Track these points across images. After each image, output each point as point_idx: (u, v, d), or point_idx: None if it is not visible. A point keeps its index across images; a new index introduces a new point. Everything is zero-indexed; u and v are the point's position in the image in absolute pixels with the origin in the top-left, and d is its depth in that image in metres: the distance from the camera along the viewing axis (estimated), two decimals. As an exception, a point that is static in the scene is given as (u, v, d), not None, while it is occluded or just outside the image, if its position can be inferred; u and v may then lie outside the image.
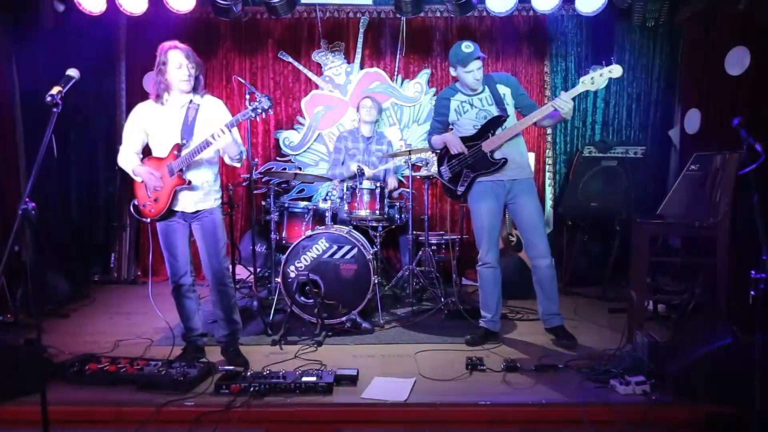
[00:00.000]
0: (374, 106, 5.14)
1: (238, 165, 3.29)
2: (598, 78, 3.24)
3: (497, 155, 3.51)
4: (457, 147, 3.57)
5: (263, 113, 3.08)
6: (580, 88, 3.29)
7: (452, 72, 3.58)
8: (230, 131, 3.04)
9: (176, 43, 3.13)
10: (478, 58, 3.43)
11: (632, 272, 3.63)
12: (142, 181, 3.18)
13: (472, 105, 3.57)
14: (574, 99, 3.30)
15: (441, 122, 3.72)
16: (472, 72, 3.46)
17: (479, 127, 3.54)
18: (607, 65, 3.22)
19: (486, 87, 3.55)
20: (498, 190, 3.56)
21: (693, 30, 5.06)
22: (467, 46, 3.43)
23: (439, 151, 3.81)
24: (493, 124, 3.50)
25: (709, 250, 3.42)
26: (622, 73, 3.22)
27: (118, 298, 4.98)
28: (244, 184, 5.35)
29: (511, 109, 3.55)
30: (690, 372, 2.69)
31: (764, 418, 2.36)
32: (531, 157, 5.39)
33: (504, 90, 3.54)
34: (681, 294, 4.10)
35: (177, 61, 3.07)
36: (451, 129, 3.74)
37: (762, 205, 2.40)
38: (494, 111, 3.52)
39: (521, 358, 3.24)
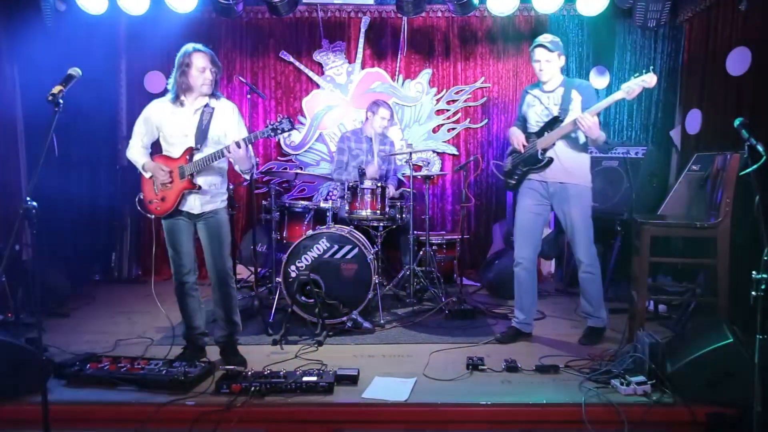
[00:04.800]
0: (390, 119, 5.08)
1: (247, 177, 3.29)
2: (633, 87, 3.22)
3: (548, 154, 3.53)
4: (515, 141, 3.66)
5: (282, 134, 3.10)
6: (612, 99, 3.32)
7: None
8: (246, 146, 3.04)
9: (198, 45, 3.12)
10: (538, 46, 3.48)
11: (633, 272, 3.63)
12: (151, 177, 3.18)
13: (540, 101, 3.61)
14: (599, 114, 3.34)
15: (519, 115, 3.82)
16: (539, 62, 3.51)
17: (541, 124, 3.58)
18: (647, 73, 3.21)
19: (561, 88, 3.54)
20: (541, 191, 3.60)
21: (694, 30, 5.05)
22: (543, 37, 3.52)
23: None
24: (551, 123, 3.52)
25: (710, 251, 3.41)
26: (654, 83, 3.22)
27: (118, 298, 4.98)
28: (244, 183, 5.36)
29: (575, 115, 3.44)
30: (690, 372, 2.69)
31: (764, 419, 2.35)
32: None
33: (575, 95, 3.50)
34: (682, 294, 4.10)
35: (201, 65, 3.07)
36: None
37: (763, 206, 2.40)
38: (556, 111, 3.52)
39: (522, 358, 3.23)
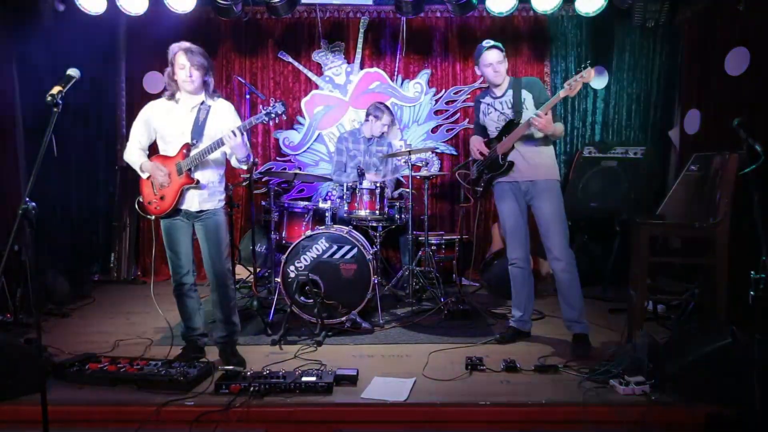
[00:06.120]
0: (389, 126, 5.08)
1: (244, 167, 3.30)
2: (574, 83, 3.23)
3: (510, 158, 3.53)
4: (474, 150, 3.70)
5: (276, 118, 3.11)
6: (558, 96, 3.29)
7: (477, 71, 3.67)
8: (242, 134, 3.06)
9: (182, 44, 3.13)
10: (492, 47, 3.47)
11: (632, 272, 3.63)
12: (149, 178, 3.18)
13: (494, 108, 3.62)
14: (556, 108, 3.37)
15: (475, 124, 3.86)
16: (491, 65, 3.50)
17: (500, 129, 3.58)
18: (585, 69, 3.22)
19: (510, 90, 3.56)
20: (515, 191, 3.59)
21: (693, 30, 5.06)
22: (486, 42, 3.53)
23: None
24: (507, 127, 3.52)
25: (709, 251, 3.42)
26: (592, 78, 3.25)
27: (118, 298, 4.98)
28: (244, 183, 5.36)
29: (529, 114, 3.43)
30: (690, 372, 2.69)
31: (764, 419, 2.36)
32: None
33: (526, 95, 3.52)
34: (681, 294, 4.10)
35: (180, 63, 3.09)
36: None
37: (762, 206, 2.40)
38: (511, 115, 3.53)
39: (521, 358, 3.24)
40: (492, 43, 3.51)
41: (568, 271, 3.47)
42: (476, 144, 3.69)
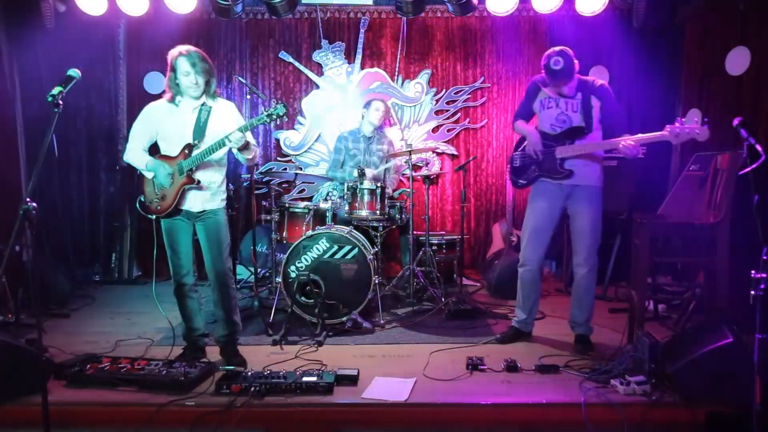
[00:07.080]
0: (384, 111, 5.10)
1: (249, 156, 3.28)
2: (683, 135, 3.07)
3: (567, 165, 3.40)
4: (532, 147, 3.47)
5: (278, 119, 3.11)
6: (656, 136, 3.14)
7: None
8: (245, 134, 3.07)
9: (183, 49, 3.10)
10: (562, 78, 3.28)
11: (633, 272, 3.63)
12: (152, 178, 3.18)
13: (557, 104, 3.44)
14: (645, 146, 3.22)
15: (525, 108, 3.62)
16: (558, 86, 3.37)
17: (560, 130, 3.42)
18: (701, 126, 3.05)
19: (579, 93, 3.38)
20: (557, 193, 3.48)
21: (693, 30, 5.06)
22: (555, 62, 3.26)
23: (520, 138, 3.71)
24: (574, 133, 3.38)
25: (710, 250, 3.42)
26: (705, 138, 3.05)
27: (118, 298, 4.98)
28: (244, 184, 5.36)
29: (596, 123, 3.36)
30: (690, 372, 2.69)
31: (764, 418, 2.36)
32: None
33: (595, 102, 3.37)
34: (681, 294, 4.11)
35: (184, 69, 3.08)
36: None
37: (762, 205, 2.40)
38: (576, 119, 3.37)
39: (522, 358, 3.24)
40: (560, 66, 3.24)
41: (589, 278, 3.47)
42: (536, 141, 3.45)
